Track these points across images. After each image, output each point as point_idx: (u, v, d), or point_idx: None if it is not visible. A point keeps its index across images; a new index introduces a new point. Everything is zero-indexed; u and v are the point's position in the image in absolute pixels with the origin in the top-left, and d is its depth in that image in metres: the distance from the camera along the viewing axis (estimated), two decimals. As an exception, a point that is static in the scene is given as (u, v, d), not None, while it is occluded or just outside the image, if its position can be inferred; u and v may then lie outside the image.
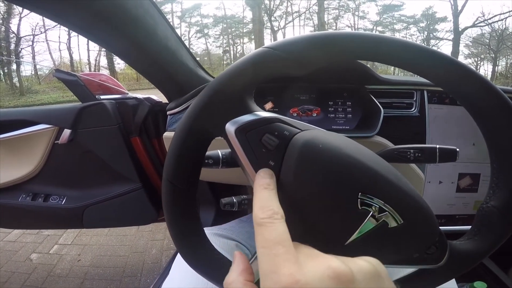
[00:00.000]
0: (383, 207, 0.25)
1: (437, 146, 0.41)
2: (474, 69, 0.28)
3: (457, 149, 0.41)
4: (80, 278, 1.39)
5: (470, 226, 0.32)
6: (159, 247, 1.61)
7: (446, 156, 0.41)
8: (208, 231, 0.61)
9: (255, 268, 0.30)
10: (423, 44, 0.29)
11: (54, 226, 1.16)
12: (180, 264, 0.52)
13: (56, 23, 0.51)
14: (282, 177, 0.26)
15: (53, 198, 0.97)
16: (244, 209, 0.39)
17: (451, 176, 0.70)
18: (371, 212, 0.25)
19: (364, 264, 0.19)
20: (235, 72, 0.27)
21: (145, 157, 0.98)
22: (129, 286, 1.34)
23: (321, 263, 0.18)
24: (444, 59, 0.28)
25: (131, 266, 1.47)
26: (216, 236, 0.59)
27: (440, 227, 0.29)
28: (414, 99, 0.67)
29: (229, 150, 0.37)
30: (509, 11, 12.58)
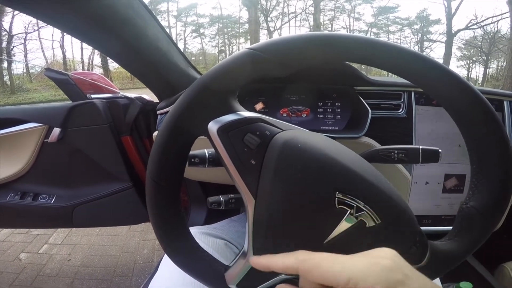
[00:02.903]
0: (361, 206, 0.25)
1: (420, 147, 0.42)
2: (453, 70, 0.29)
3: (440, 150, 0.42)
4: (70, 278, 1.37)
5: None
6: (151, 247, 1.60)
7: (429, 157, 0.42)
8: (198, 230, 0.61)
9: (238, 268, 0.30)
10: (399, 44, 0.29)
11: (44, 226, 1.15)
12: (168, 263, 0.52)
13: (46, 23, 0.51)
14: (263, 176, 0.27)
15: (43, 197, 0.96)
16: (231, 208, 0.40)
17: (437, 177, 0.71)
18: (349, 211, 0.25)
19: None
20: (218, 73, 0.28)
21: (136, 157, 0.97)
22: (120, 286, 1.33)
23: (375, 252, 0.22)
24: (427, 62, 0.28)
25: (122, 266, 1.46)
26: (205, 235, 0.59)
27: (424, 228, 0.29)
28: (402, 100, 0.68)
29: None
30: (502, 14, 12.76)
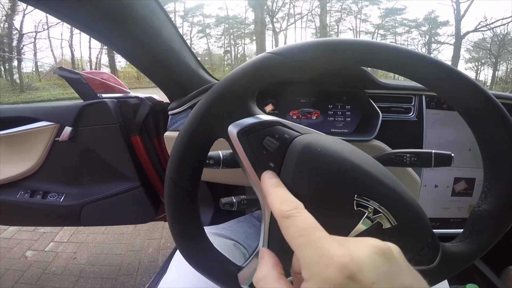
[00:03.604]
0: (378, 208, 0.26)
1: (433, 151, 0.42)
2: (468, 75, 0.29)
3: (452, 155, 0.42)
4: (75, 276, 1.39)
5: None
6: (156, 246, 1.62)
7: (441, 161, 0.42)
8: (207, 230, 0.62)
9: (251, 269, 0.31)
10: (421, 52, 0.30)
11: (52, 223, 1.17)
12: (178, 263, 0.52)
13: (61, 21, 0.52)
14: (282, 178, 0.27)
15: (52, 195, 0.97)
16: (243, 209, 0.40)
17: (446, 180, 0.71)
18: (366, 213, 0.26)
19: (391, 244, 0.20)
20: (239, 76, 0.28)
21: (145, 156, 0.98)
22: (124, 284, 1.34)
23: (362, 243, 0.18)
24: (441, 67, 0.29)
25: (127, 265, 1.47)
26: (214, 235, 0.60)
27: (434, 230, 0.29)
28: (413, 104, 0.68)
29: (230, 151, 0.38)
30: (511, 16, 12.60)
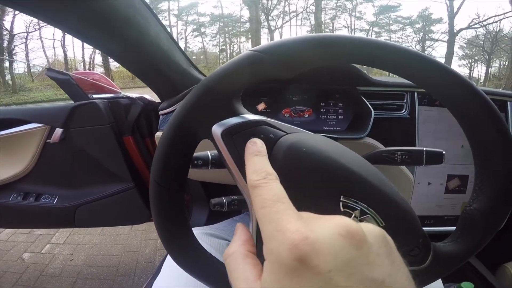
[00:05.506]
0: (365, 209, 0.25)
1: (424, 149, 0.42)
2: (459, 72, 0.29)
3: (444, 152, 0.42)
4: (73, 277, 1.38)
5: None
6: (153, 247, 1.61)
7: (433, 159, 0.42)
8: (200, 230, 0.62)
9: None
10: (412, 48, 0.29)
11: (46, 226, 1.16)
12: (171, 264, 0.52)
13: (47, 24, 0.51)
14: None
15: (45, 197, 0.96)
16: (234, 210, 0.40)
17: (440, 177, 0.71)
18: (353, 215, 0.25)
19: (373, 227, 0.17)
20: (221, 75, 0.27)
21: (138, 157, 0.97)
22: (122, 285, 1.34)
23: (329, 221, 0.16)
24: (430, 63, 0.28)
25: (125, 266, 1.47)
26: (207, 235, 0.59)
27: (426, 228, 0.29)
28: (405, 100, 0.68)
29: None
30: (504, 13, 12.73)
